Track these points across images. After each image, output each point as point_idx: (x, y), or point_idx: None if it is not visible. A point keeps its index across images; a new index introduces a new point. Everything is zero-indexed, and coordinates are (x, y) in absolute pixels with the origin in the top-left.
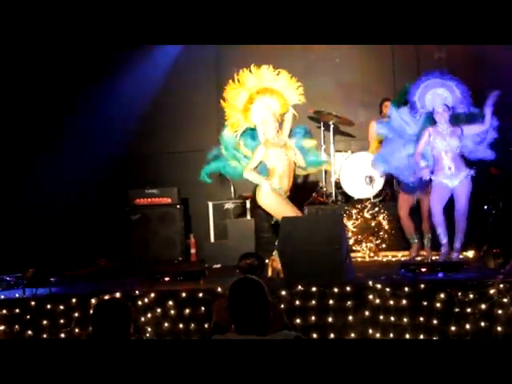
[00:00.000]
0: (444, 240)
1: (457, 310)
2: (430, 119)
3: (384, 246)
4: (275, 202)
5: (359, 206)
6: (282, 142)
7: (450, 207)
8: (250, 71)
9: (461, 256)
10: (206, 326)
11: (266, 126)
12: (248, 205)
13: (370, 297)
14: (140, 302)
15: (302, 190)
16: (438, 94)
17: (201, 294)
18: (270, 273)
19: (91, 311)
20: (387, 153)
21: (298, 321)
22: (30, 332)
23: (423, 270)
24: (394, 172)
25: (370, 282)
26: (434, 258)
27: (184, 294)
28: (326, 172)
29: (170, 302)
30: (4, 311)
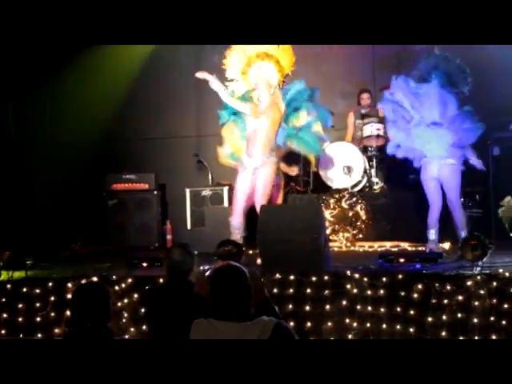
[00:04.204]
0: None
1: (434, 301)
2: None
3: (361, 236)
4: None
5: (337, 196)
6: (266, 108)
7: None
8: None
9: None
10: None
11: (259, 92)
12: (225, 192)
13: (348, 286)
14: (117, 287)
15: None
16: None
17: None
18: None
19: (68, 295)
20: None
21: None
22: (5, 315)
23: (401, 260)
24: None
25: (348, 272)
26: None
27: (161, 280)
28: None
29: (147, 288)
30: None
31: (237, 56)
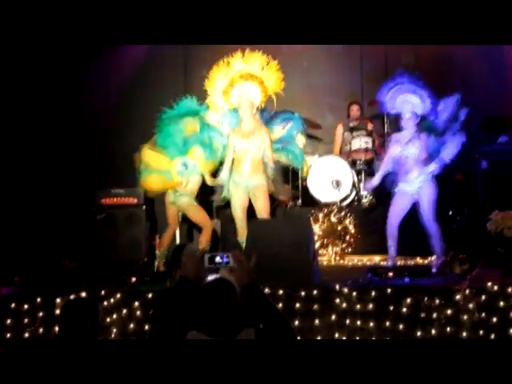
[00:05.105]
0: (393, 253)
1: (423, 315)
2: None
3: (350, 250)
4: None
5: (326, 210)
6: (252, 128)
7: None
8: (243, 55)
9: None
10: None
11: (242, 112)
12: (214, 207)
13: (337, 300)
14: (106, 303)
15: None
16: (409, 100)
17: None
18: None
19: (57, 311)
20: None
21: None
22: None
23: (390, 274)
24: None
25: (337, 286)
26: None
27: (150, 295)
28: (293, 174)
29: (136, 303)
30: None
31: (219, 76)
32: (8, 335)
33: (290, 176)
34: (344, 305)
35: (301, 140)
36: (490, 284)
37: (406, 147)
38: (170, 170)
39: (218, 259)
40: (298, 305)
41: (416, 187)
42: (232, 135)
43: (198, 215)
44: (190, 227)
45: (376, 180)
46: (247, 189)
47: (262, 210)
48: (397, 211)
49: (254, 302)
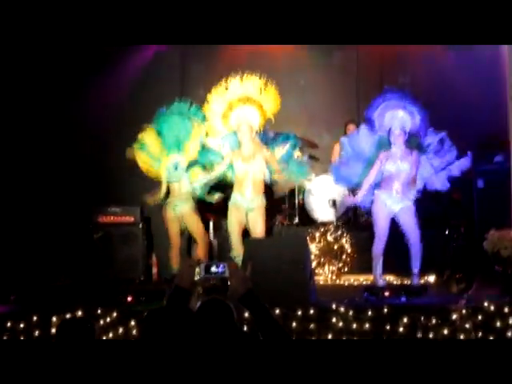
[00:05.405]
0: (379, 271)
1: (419, 334)
2: (383, 142)
3: (346, 269)
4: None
5: (322, 229)
6: (252, 152)
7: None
8: (241, 79)
9: (421, 281)
10: None
11: (241, 135)
12: (211, 226)
13: (333, 320)
14: (102, 321)
15: (266, 212)
16: (398, 116)
17: None
18: None
19: (53, 329)
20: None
21: None
22: None
23: (386, 293)
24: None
25: (334, 305)
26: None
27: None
28: (291, 193)
29: (132, 322)
30: None
31: (218, 100)
32: None
33: (286, 195)
34: (340, 324)
35: (297, 154)
36: (486, 303)
37: (399, 164)
38: (161, 159)
39: (213, 268)
40: (294, 324)
41: (398, 205)
42: (232, 157)
43: (197, 225)
44: (188, 243)
45: (360, 197)
46: (247, 210)
47: (258, 233)
48: (381, 235)
49: (252, 310)
